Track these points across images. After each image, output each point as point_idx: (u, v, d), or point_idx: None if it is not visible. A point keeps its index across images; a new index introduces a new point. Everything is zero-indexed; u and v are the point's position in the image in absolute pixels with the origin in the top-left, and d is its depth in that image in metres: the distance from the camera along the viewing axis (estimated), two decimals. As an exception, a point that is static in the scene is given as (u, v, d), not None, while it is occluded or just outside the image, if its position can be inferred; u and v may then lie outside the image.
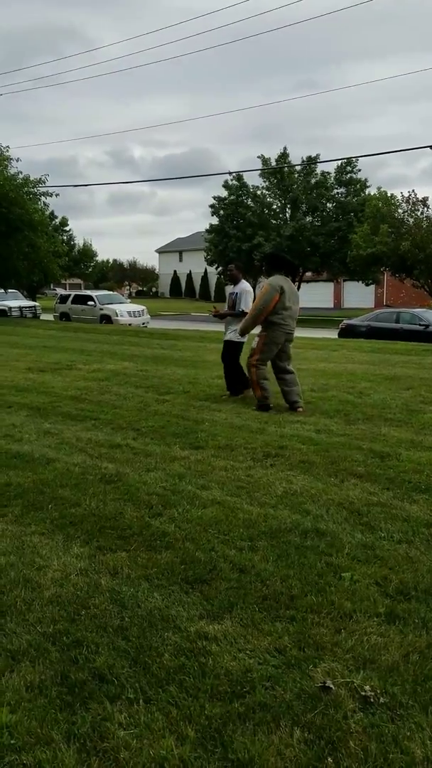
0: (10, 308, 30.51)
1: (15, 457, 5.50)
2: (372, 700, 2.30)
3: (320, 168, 36.63)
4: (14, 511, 4.18)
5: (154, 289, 73.51)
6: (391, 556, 3.53)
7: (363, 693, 2.33)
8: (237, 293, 8.71)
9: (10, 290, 30.84)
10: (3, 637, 2.69)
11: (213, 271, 46.19)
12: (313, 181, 36.09)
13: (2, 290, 29.60)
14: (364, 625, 2.81)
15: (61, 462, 5.34)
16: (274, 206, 37.51)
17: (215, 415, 7.34)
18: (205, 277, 62.33)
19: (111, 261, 74.62)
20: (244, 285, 8.84)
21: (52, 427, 6.67)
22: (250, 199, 37.52)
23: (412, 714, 2.24)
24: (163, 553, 3.52)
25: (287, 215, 36.91)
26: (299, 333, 24.83)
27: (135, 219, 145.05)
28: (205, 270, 56.49)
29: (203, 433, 6.41)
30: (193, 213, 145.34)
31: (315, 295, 50.41)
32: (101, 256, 66.40)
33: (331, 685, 2.36)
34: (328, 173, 36.51)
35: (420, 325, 20.63)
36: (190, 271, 65.89)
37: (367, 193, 35.90)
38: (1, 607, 2.92)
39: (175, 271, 68.91)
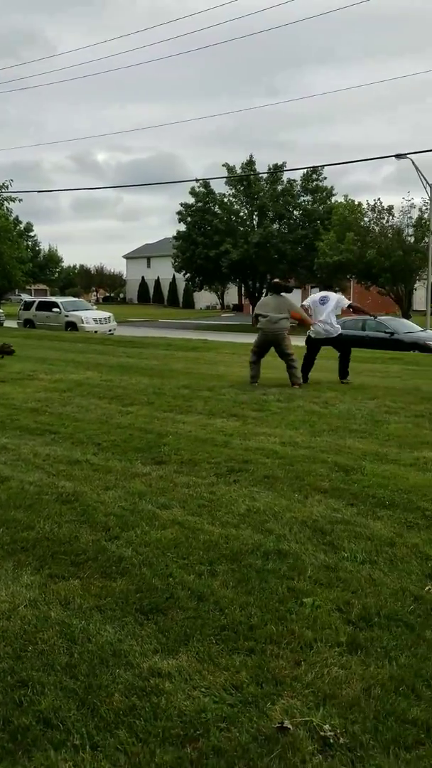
0: (-28, 315, 30.00)
1: (-32, 475, 5.30)
2: (332, 740, 2.19)
3: (286, 176, 36.88)
4: (-37, 535, 4.00)
5: (121, 296, 73.10)
6: (354, 578, 3.44)
7: (322, 733, 2.22)
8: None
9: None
10: None
11: (181, 278, 46.07)
12: (279, 188, 36.30)
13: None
14: (325, 656, 2.70)
15: (16, 480, 5.15)
16: (242, 213, 37.64)
17: (180, 427, 7.21)
18: (173, 284, 62.24)
19: (77, 267, 73.99)
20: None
21: (9, 441, 6.46)
22: (217, 206, 37.57)
23: (373, 755, 2.14)
24: (118, 580, 3.37)
25: (254, 222, 37.06)
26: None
27: (101, 224, 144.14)
28: (174, 276, 56.38)
29: (167, 447, 6.28)
30: (159, 219, 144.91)
31: (283, 301, 50.59)
32: (67, 262, 65.87)
33: (289, 725, 2.25)
34: (294, 181, 36.79)
35: (385, 332, 20.79)
36: (158, 277, 65.76)
37: (333, 201, 36.24)
38: None
39: (143, 277, 68.68)
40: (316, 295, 11.95)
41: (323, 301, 11.41)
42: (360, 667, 2.63)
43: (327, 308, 11.26)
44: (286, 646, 2.78)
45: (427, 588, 3.36)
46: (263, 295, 40.42)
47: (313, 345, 11.49)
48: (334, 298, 11.60)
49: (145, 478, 5.26)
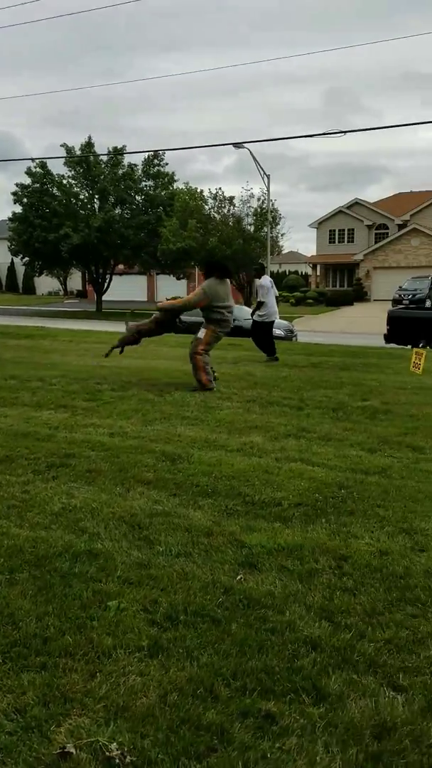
0: None
1: None
2: (117, 761, 2.03)
3: (127, 160, 36.38)
4: None
5: None
6: (165, 574, 3.32)
7: (108, 753, 2.05)
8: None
9: None
10: None
11: (20, 262, 43.95)
12: (120, 172, 35.72)
13: None
14: (123, 664, 2.54)
15: None
16: (82, 196, 36.59)
17: (0, 421, 6.75)
18: (12, 268, 59.45)
19: None
20: (259, 280, 11.89)
21: None
22: (55, 188, 36.24)
23: (160, 772, 2.01)
24: None
25: (95, 206, 36.20)
26: (112, 328, 24.49)
27: None
28: (12, 260, 53.78)
29: (-18, 444, 5.82)
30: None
31: (128, 288, 50.15)
32: None
33: (72, 749, 2.06)
34: (135, 165, 36.37)
35: (226, 319, 21.18)
36: (-4, 262, 62.45)
37: (174, 187, 36.33)
38: None
39: (-21, 262, 64.85)
40: (266, 280, 12.55)
41: (272, 285, 12.56)
42: (159, 672, 2.50)
43: (273, 293, 12.51)
44: (83, 657, 2.58)
45: (239, 577, 3.32)
46: (108, 281, 39.87)
47: (271, 329, 12.68)
48: (270, 282, 12.68)
49: None
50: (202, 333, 9.10)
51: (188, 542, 3.74)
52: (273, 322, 12.74)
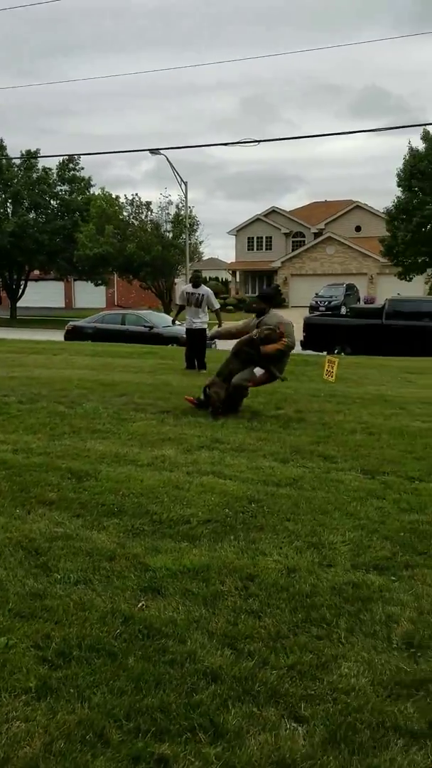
0: None
1: None
2: None
3: (42, 163, 35.62)
4: None
5: None
6: (61, 604, 3.12)
7: None
8: (204, 294, 11.47)
9: None
10: None
11: None
12: (34, 176, 34.91)
13: None
14: (7, 710, 2.34)
15: None
16: (-6, 201, 35.57)
17: None
18: None
19: None
20: (207, 288, 11.60)
21: None
22: (-34, 192, 35.07)
23: None
24: None
25: (8, 210, 35.21)
26: (22, 335, 23.60)
27: None
28: None
29: None
30: None
31: (45, 294, 49.06)
32: None
33: None
34: (50, 169, 35.65)
35: (145, 326, 20.96)
36: None
37: (91, 192, 35.86)
38: None
39: None
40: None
41: None
42: (46, 716, 2.31)
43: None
44: (-38, 706, 2.36)
45: (140, 604, 3.16)
46: (23, 287, 38.74)
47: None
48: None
49: None
50: (260, 372, 8.20)
51: (89, 568, 3.56)
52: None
